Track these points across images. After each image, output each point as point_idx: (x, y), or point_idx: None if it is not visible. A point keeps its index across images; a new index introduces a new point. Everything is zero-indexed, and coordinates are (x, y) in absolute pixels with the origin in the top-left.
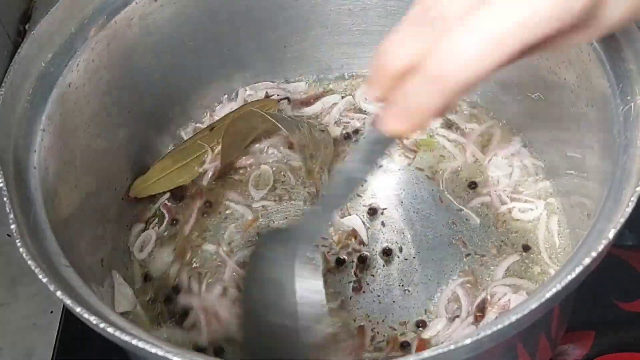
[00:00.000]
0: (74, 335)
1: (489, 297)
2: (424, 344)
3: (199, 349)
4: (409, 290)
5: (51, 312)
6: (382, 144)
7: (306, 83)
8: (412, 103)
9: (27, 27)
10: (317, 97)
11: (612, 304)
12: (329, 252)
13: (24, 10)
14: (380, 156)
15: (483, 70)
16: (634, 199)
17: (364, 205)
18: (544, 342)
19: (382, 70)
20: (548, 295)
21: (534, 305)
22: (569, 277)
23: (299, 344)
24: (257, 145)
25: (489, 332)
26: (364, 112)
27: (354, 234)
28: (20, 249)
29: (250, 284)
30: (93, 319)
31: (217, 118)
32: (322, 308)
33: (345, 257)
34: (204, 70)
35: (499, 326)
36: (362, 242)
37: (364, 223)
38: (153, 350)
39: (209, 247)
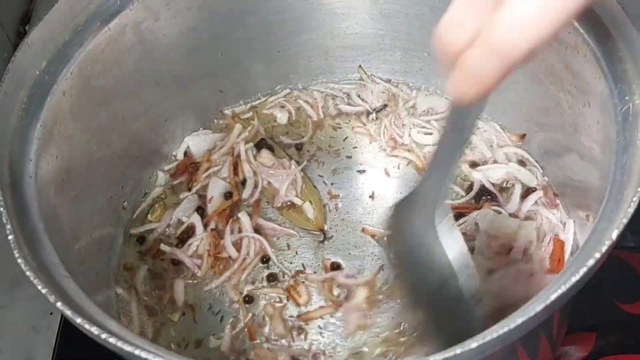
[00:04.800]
0: (74, 337)
1: None
2: None
3: None
4: None
5: (51, 314)
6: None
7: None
8: (476, 72)
9: (27, 28)
10: None
11: (613, 305)
12: None
13: (24, 12)
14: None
15: (539, 36)
16: (636, 199)
17: None
18: (544, 344)
19: (446, 51)
20: (553, 297)
21: (539, 308)
22: (574, 279)
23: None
24: None
25: (495, 335)
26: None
27: None
28: (19, 260)
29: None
30: (94, 330)
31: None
32: (467, 256)
33: None
34: (198, 75)
35: (505, 329)
36: None
37: None
38: None
39: None
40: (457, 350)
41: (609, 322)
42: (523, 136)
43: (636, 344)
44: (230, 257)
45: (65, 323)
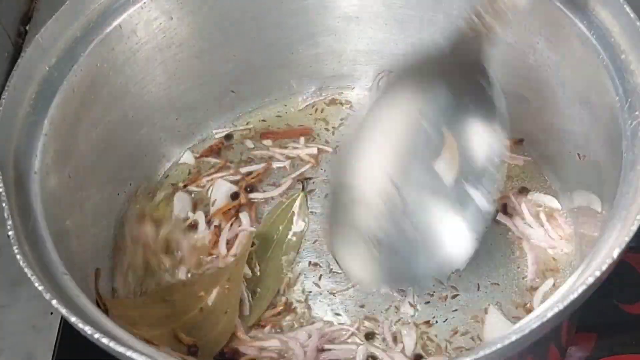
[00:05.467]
0: (74, 337)
1: None
2: None
3: None
4: None
5: (51, 313)
6: None
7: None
8: None
9: (27, 28)
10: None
11: (614, 306)
12: None
13: (24, 12)
14: None
15: None
16: None
17: None
18: (553, 352)
19: None
20: (550, 315)
21: (535, 325)
22: (572, 297)
23: None
24: None
25: (488, 351)
26: None
27: None
28: (17, 256)
29: None
30: (88, 329)
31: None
32: None
33: None
34: (209, 75)
35: (499, 345)
36: None
37: None
38: None
39: None
40: None
41: (609, 322)
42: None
43: (637, 345)
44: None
45: (66, 323)
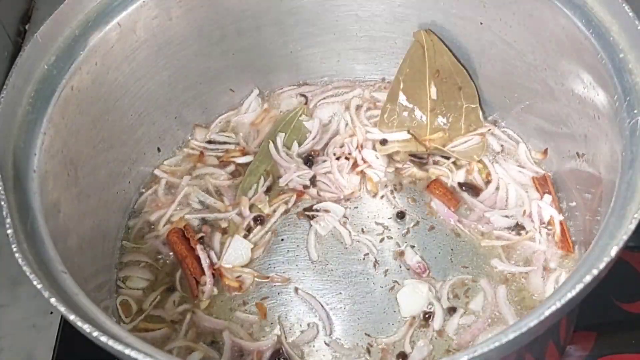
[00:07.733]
0: (74, 336)
1: None
2: None
3: None
4: None
5: (51, 313)
6: None
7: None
8: None
9: (27, 27)
10: None
11: (613, 305)
12: None
13: (24, 11)
14: None
15: None
16: (637, 215)
17: None
18: (552, 350)
19: None
20: (547, 313)
21: (532, 323)
22: (569, 295)
23: None
24: None
25: (486, 349)
26: None
27: None
28: (16, 254)
29: None
30: (87, 327)
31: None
32: None
33: None
34: (209, 74)
35: (496, 344)
36: None
37: None
38: None
39: None
40: None
41: (609, 321)
42: (545, 151)
43: (636, 344)
44: None
45: (66, 322)
